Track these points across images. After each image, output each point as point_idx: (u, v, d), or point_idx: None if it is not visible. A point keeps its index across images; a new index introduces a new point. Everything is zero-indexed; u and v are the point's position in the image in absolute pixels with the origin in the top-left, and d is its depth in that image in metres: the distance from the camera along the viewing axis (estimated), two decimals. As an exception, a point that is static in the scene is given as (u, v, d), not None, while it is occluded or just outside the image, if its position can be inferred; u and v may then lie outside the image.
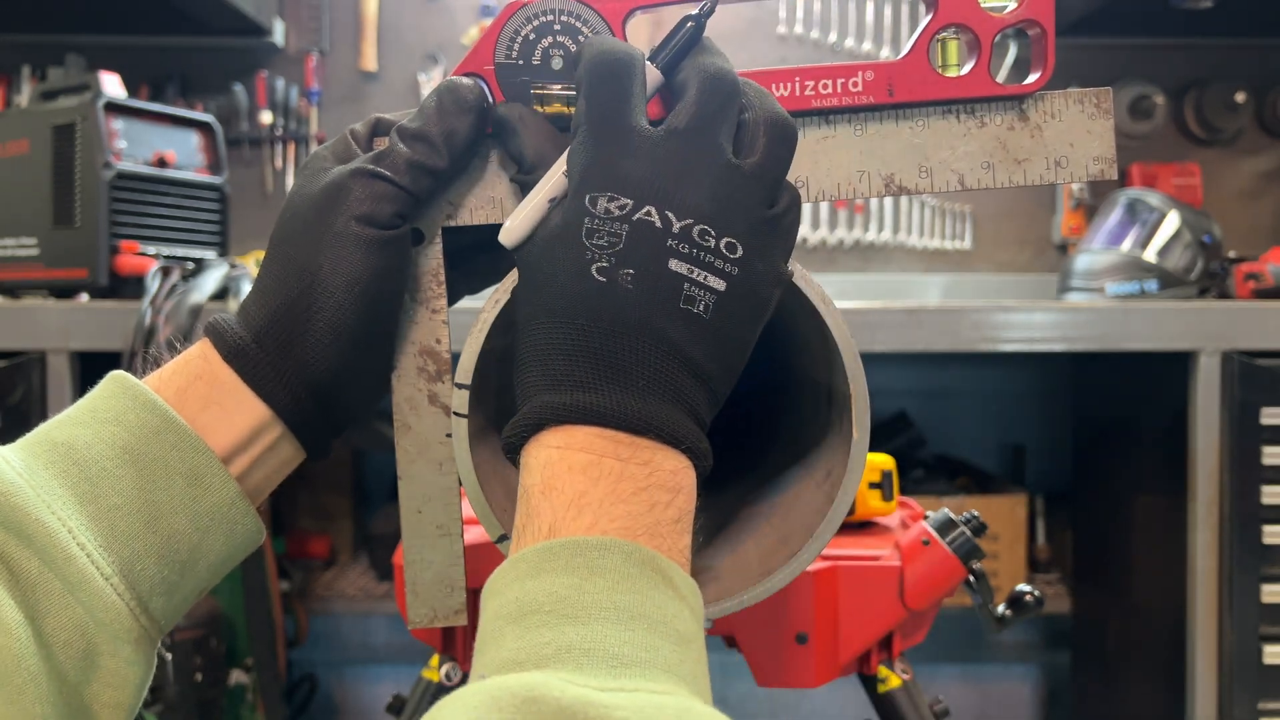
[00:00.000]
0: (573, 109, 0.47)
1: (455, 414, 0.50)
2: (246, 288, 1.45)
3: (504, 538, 0.52)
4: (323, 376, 0.50)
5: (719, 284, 0.44)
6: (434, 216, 0.52)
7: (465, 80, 0.50)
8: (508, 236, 0.47)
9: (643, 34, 1.83)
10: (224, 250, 1.68)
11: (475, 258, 0.57)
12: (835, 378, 0.53)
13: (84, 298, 1.53)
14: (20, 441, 0.48)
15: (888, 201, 2.15)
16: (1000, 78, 0.53)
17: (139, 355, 1.34)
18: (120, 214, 1.52)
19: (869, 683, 0.79)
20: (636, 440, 0.43)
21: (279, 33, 2.11)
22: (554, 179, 0.47)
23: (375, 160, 0.49)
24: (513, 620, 0.39)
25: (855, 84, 0.52)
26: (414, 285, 0.52)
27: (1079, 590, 1.89)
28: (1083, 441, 1.96)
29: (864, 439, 0.51)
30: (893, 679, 0.78)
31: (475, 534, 0.62)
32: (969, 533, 0.76)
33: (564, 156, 0.47)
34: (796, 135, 0.47)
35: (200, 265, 1.51)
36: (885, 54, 2.13)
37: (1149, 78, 2.12)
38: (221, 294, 1.45)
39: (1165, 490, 1.53)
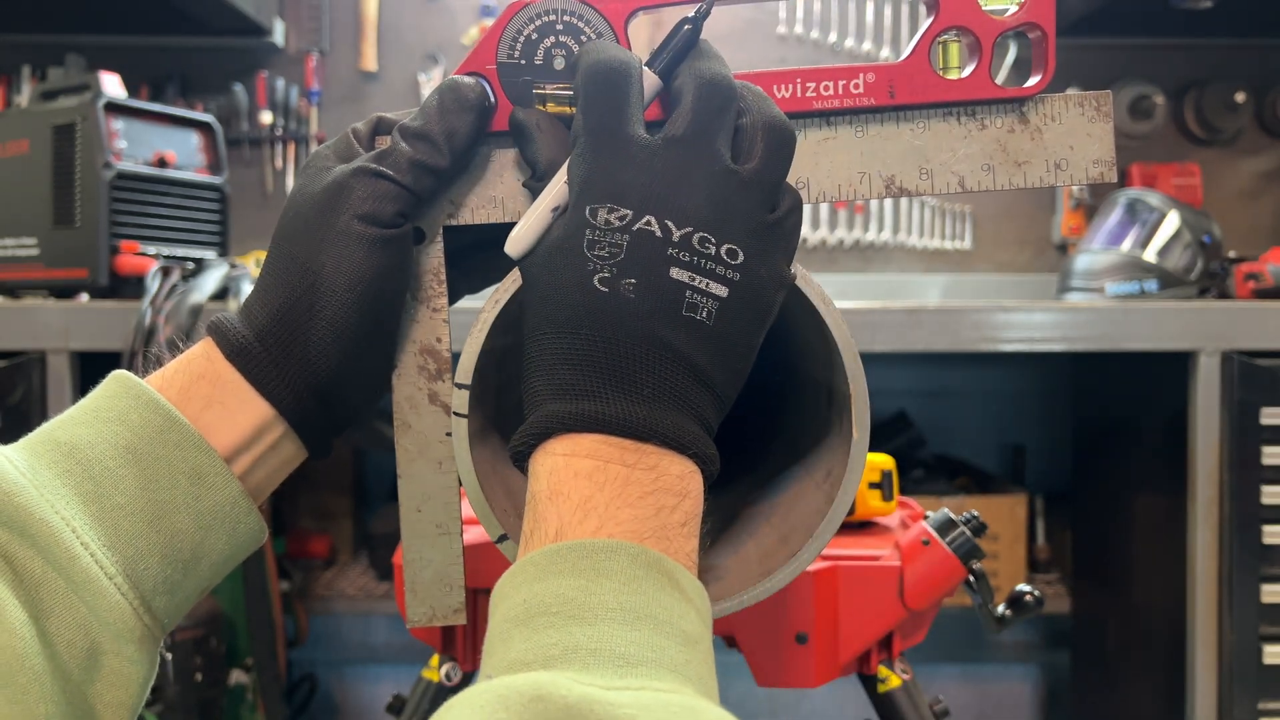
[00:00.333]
0: (574, 109, 0.47)
1: (455, 414, 0.50)
2: (247, 288, 1.45)
3: (504, 538, 0.52)
4: (325, 375, 0.50)
5: (721, 290, 0.44)
6: (435, 215, 0.52)
7: (467, 79, 0.50)
8: (513, 246, 0.47)
9: (642, 34, 1.83)
10: (224, 250, 1.68)
11: (475, 257, 0.57)
12: (835, 378, 0.53)
13: (84, 298, 1.53)
14: (23, 441, 0.48)
15: (888, 202, 2.16)
16: (1000, 78, 0.53)
17: (139, 355, 1.34)
18: (120, 214, 1.52)
19: (869, 683, 0.79)
20: (642, 446, 0.43)
21: (279, 33, 2.11)
22: (557, 188, 0.47)
23: (377, 159, 0.49)
24: (520, 623, 0.39)
25: (856, 85, 0.52)
26: (415, 284, 0.52)
27: (1079, 590, 1.89)
28: (1083, 441, 1.96)
29: (864, 439, 0.51)
30: (893, 679, 0.78)
31: (475, 534, 0.62)
32: (969, 533, 0.76)
33: (565, 166, 0.47)
34: (795, 139, 0.47)
35: (200, 265, 1.51)
36: (885, 54, 2.14)
37: (1149, 78, 2.13)
38: (222, 294, 1.45)
39: (1165, 490, 1.53)
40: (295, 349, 0.49)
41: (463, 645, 0.79)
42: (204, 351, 0.51)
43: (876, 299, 2.02)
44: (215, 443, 0.49)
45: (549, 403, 0.44)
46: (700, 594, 0.43)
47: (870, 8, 2.14)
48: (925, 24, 0.53)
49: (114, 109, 1.54)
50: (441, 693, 0.79)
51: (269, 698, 1.55)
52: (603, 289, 0.43)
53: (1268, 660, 1.41)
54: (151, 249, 1.53)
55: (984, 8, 0.52)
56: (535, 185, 0.49)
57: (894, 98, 0.52)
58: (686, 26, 0.47)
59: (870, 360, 0.65)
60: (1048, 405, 2.10)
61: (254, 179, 2.12)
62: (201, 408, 0.49)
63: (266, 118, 2.10)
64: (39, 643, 0.44)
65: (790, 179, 0.51)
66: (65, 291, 1.53)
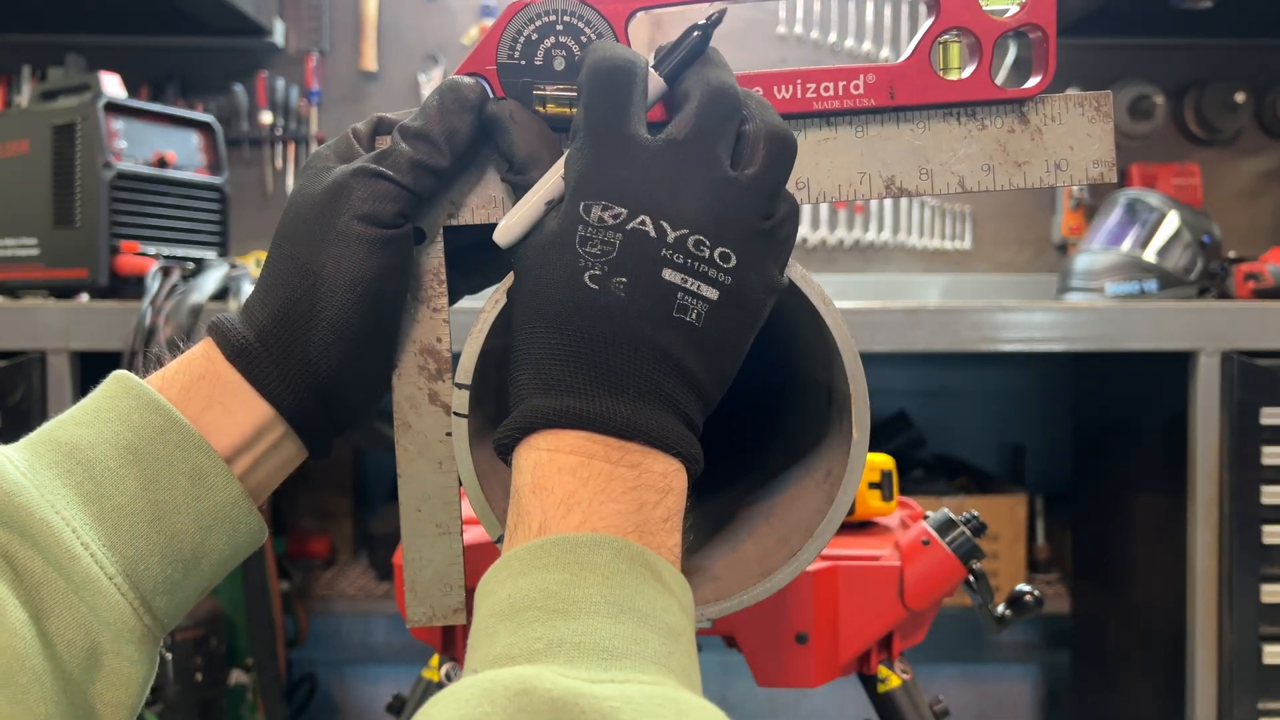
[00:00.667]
0: (574, 110, 0.47)
1: (455, 414, 0.50)
2: (247, 288, 1.45)
3: (504, 537, 0.52)
4: (326, 376, 0.50)
5: (712, 293, 0.44)
6: (435, 215, 0.52)
7: (467, 79, 0.50)
8: (502, 236, 0.47)
9: (642, 34, 1.83)
10: (224, 250, 1.68)
11: (475, 257, 0.57)
12: (835, 378, 0.53)
13: (84, 298, 1.53)
14: (24, 441, 0.48)
15: (888, 202, 2.16)
16: (999, 78, 0.53)
17: (139, 355, 1.34)
18: (120, 214, 1.52)
19: (869, 683, 0.79)
20: (626, 444, 0.43)
21: (279, 33, 2.11)
22: (552, 181, 0.47)
23: (377, 159, 0.49)
24: (505, 617, 0.40)
25: (857, 86, 0.52)
26: (415, 284, 0.52)
27: (1079, 590, 1.89)
28: (1083, 441, 1.96)
29: (864, 439, 0.51)
30: (893, 679, 0.78)
31: (475, 534, 0.62)
32: (969, 533, 0.76)
33: (563, 159, 0.47)
34: (795, 148, 0.47)
35: (200, 265, 1.51)
36: (885, 54, 2.14)
37: (1149, 78, 2.13)
38: (222, 294, 1.45)
39: (1165, 490, 1.53)
40: (296, 350, 0.49)
41: (463, 645, 0.79)
42: (204, 352, 0.51)
43: (876, 299, 2.02)
44: (216, 443, 0.49)
45: (534, 397, 0.44)
46: (683, 587, 0.43)
47: (870, 8, 2.14)
48: (926, 24, 0.53)
49: (114, 109, 1.54)
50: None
51: (269, 698, 1.55)
52: (593, 286, 0.44)
53: (1268, 660, 1.41)
54: (151, 249, 1.53)
55: (985, 8, 0.52)
56: (513, 179, 0.49)
57: (894, 98, 0.52)
58: (696, 33, 0.47)
59: (870, 360, 0.65)
60: (1048, 405, 2.10)
61: (254, 179, 2.12)
62: (202, 408, 0.49)
63: (266, 118, 2.10)
64: (39, 643, 0.44)
65: (791, 180, 0.52)
66: (65, 291, 1.53)
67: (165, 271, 1.45)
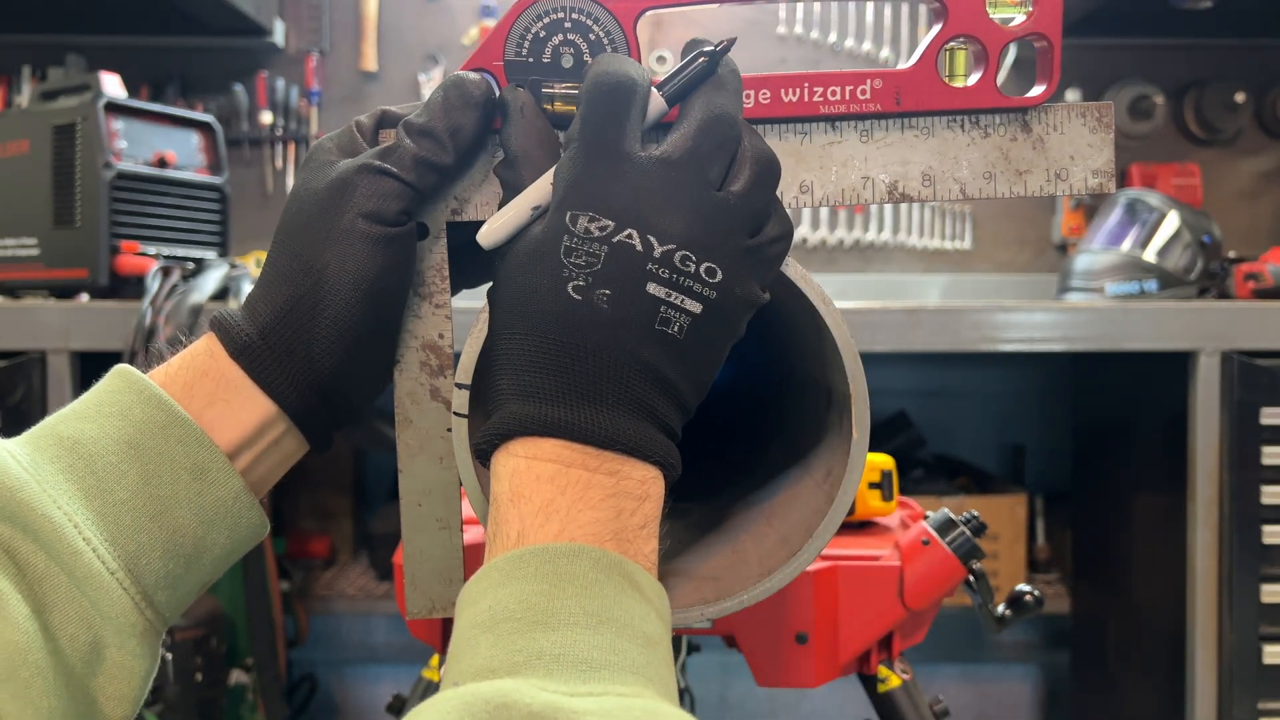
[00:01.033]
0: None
1: (455, 414, 0.50)
2: (247, 288, 1.45)
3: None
4: (328, 373, 0.50)
5: (695, 307, 0.44)
6: (439, 211, 0.52)
7: (472, 75, 0.50)
8: (486, 238, 0.47)
9: (642, 34, 1.83)
10: (224, 250, 1.68)
11: (476, 252, 0.57)
12: (835, 378, 0.53)
13: (84, 298, 1.53)
14: (25, 435, 0.48)
15: (888, 202, 2.15)
16: (999, 78, 0.53)
17: (139, 355, 1.34)
18: (120, 214, 1.52)
19: (869, 683, 0.79)
20: (604, 452, 0.44)
21: (279, 33, 2.11)
22: (541, 187, 0.47)
23: (382, 156, 0.49)
24: (486, 628, 0.40)
25: (863, 91, 0.52)
26: (418, 280, 0.52)
27: (1079, 590, 1.89)
28: (1082, 441, 1.96)
29: (864, 439, 0.51)
30: (893, 679, 0.78)
31: (474, 534, 0.62)
32: (969, 533, 0.76)
33: (554, 168, 0.47)
34: (780, 171, 0.48)
35: (200, 265, 1.51)
36: (885, 54, 2.14)
37: (1149, 78, 2.13)
38: (222, 294, 1.45)
39: (1165, 490, 1.53)
40: (299, 347, 0.49)
41: (463, 645, 0.79)
42: (207, 348, 0.51)
43: (876, 299, 2.02)
44: (218, 439, 0.49)
45: (512, 403, 0.44)
46: (660, 595, 0.43)
47: (870, 8, 2.13)
48: (933, 31, 0.53)
49: (114, 109, 1.54)
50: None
51: (269, 698, 1.55)
52: (576, 297, 0.44)
53: (1268, 660, 1.41)
54: (151, 249, 1.53)
55: (992, 16, 0.52)
56: (504, 173, 0.49)
57: (900, 105, 0.52)
58: (702, 59, 0.47)
59: (870, 360, 0.65)
60: (1048, 405, 2.10)
61: (254, 179, 2.12)
62: (205, 404, 0.49)
63: (266, 118, 2.10)
64: (42, 637, 0.44)
65: (795, 183, 0.52)
66: (65, 291, 1.53)
67: (165, 271, 1.45)
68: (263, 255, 1.68)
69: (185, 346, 0.52)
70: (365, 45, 2.13)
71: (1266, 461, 1.41)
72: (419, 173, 0.49)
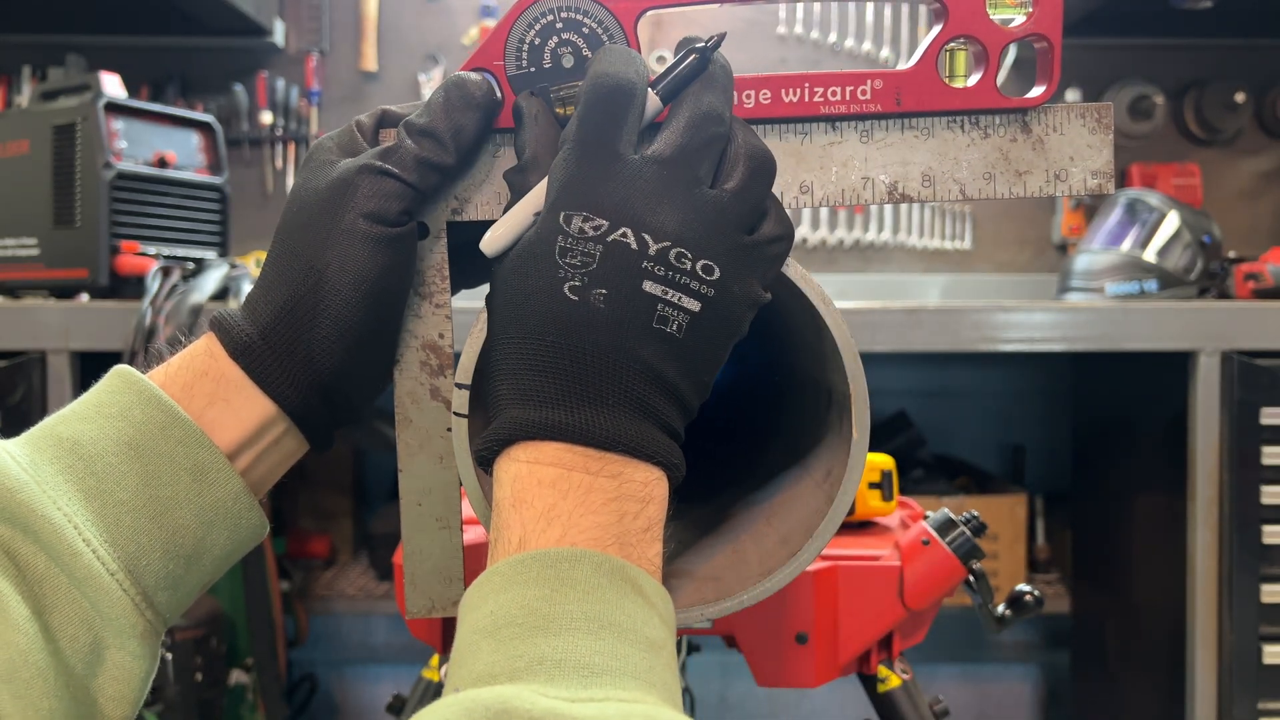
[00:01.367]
0: None
1: (455, 414, 0.50)
2: (247, 288, 1.45)
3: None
4: (328, 373, 0.50)
5: (693, 305, 0.44)
6: (439, 211, 0.52)
7: (473, 76, 0.50)
8: (489, 245, 0.47)
9: (642, 34, 1.83)
10: (224, 250, 1.68)
11: (476, 252, 0.57)
12: (835, 378, 0.53)
13: (84, 298, 1.53)
14: (25, 436, 0.48)
15: (888, 202, 2.15)
16: (999, 78, 0.53)
17: (139, 355, 1.34)
18: (120, 214, 1.52)
19: (869, 682, 0.79)
20: (606, 455, 0.44)
21: (279, 33, 2.11)
22: (542, 193, 0.47)
23: (383, 156, 0.49)
24: (487, 634, 0.40)
25: (864, 91, 0.52)
26: (418, 279, 0.52)
27: (1078, 590, 1.89)
28: (1082, 441, 1.96)
29: (864, 439, 0.51)
30: (892, 679, 0.78)
31: (475, 534, 0.62)
32: (969, 533, 0.76)
33: (550, 169, 0.47)
34: (775, 167, 0.48)
35: (200, 265, 1.51)
36: (885, 54, 2.14)
37: (1149, 78, 2.13)
38: (222, 294, 1.45)
39: (1165, 490, 1.53)
40: (299, 347, 0.49)
41: (463, 645, 0.79)
42: (207, 348, 0.51)
43: (876, 299, 2.02)
44: (218, 439, 0.49)
45: (512, 408, 0.44)
46: (663, 598, 0.43)
47: (870, 8, 2.14)
48: (934, 31, 0.53)
49: (114, 109, 1.54)
50: (441, 693, 0.79)
51: (269, 698, 1.55)
52: (573, 297, 0.44)
53: (1268, 660, 1.41)
54: (151, 249, 1.53)
55: (992, 17, 0.52)
56: (514, 177, 0.49)
57: (900, 105, 0.52)
58: (694, 56, 0.47)
59: (870, 360, 0.65)
60: (1048, 405, 2.10)
61: (254, 179, 2.12)
62: (205, 405, 0.49)
63: (266, 118, 2.10)
64: (42, 638, 0.44)
65: (795, 183, 0.52)
66: (65, 291, 1.53)
67: (165, 271, 1.45)
68: (263, 255, 1.68)
69: (185, 346, 0.52)
70: (365, 45, 2.13)
71: (1266, 461, 1.41)
72: (420, 173, 0.49)
